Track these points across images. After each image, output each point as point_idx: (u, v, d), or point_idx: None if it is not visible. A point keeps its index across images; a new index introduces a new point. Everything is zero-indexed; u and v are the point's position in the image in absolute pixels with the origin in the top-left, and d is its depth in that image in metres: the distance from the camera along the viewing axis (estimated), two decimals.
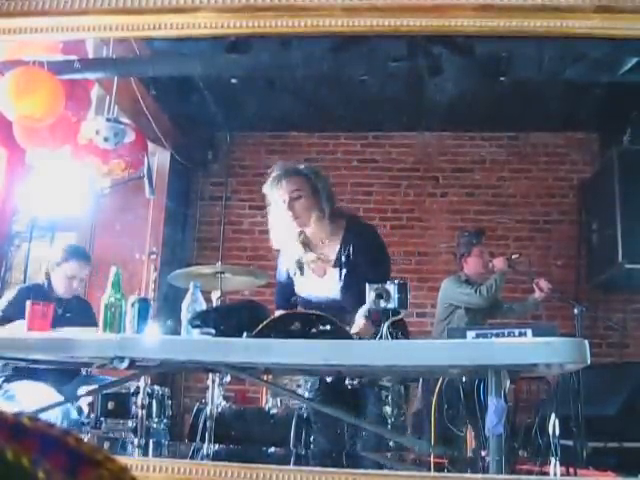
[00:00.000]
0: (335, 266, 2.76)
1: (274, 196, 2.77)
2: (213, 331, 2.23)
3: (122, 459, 0.51)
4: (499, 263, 4.03)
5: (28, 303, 2.45)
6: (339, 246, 2.76)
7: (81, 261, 3.52)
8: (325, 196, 2.76)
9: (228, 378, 3.03)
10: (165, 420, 3.15)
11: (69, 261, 3.47)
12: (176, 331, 2.39)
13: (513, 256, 4.12)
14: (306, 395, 2.77)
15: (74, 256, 3.50)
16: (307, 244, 2.79)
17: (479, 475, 2.06)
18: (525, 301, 4.17)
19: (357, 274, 2.64)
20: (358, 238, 2.77)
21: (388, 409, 2.67)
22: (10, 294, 3.36)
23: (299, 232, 2.77)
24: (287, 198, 2.72)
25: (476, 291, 3.93)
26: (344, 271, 2.73)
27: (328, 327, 2.22)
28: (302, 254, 2.79)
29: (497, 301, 4.07)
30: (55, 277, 3.48)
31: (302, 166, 2.86)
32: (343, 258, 2.74)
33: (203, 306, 2.42)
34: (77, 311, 3.44)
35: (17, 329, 2.66)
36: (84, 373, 3.40)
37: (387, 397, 2.70)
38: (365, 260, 2.70)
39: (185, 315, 2.37)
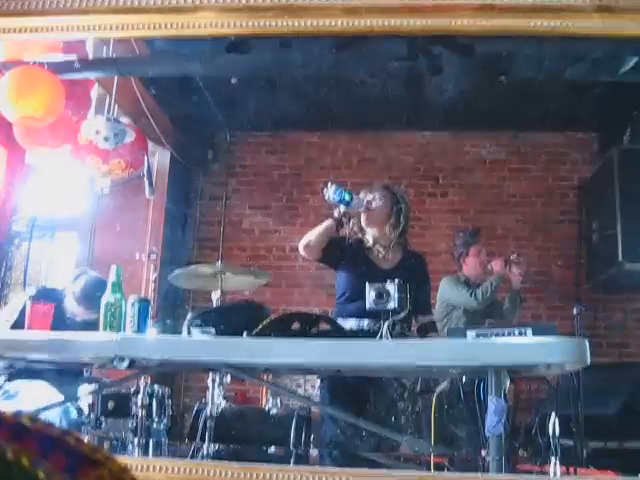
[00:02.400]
0: (392, 274, 2.98)
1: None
2: (213, 331, 2.23)
3: (122, 459, 0.51)
4: (497, 265, 4.03)
5: (28, 302, 2.44)
6: (400, 260, 3.11)
7: (90, 310, 3.30)
8: (401, 214, 3.10)
9: (228, 378, 3.03)
10: (165, 420, 3.15)
11: (79, 303, 3.35)
12: (176, 331, 2.39)
13: (512, 257, 4.10)
14: (317, 387, 2.81)
15: (86, 303, 3.32)
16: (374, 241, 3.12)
17: (479, 475, 2.06)
18: (509, 294, 4.13)
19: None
20: (416, 263, 3.19)
21: (401, 405, 2.69)
22: (19, 302, 3.27)
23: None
24: (370, 199, 3.07)
25: (471, 294, 3.91)
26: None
27: (328, 327, 2.22)
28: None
29: (496, 302, 4.06)
30: (67, 297, 3.41)
31: (395, 187, 3.33)
32: (401, 271, 2.98)
33: None
34: None
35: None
36: (85, 374, 3.39)
37: (402, 394, 2.72)
38: (417, 282, 2.93)
39: None
